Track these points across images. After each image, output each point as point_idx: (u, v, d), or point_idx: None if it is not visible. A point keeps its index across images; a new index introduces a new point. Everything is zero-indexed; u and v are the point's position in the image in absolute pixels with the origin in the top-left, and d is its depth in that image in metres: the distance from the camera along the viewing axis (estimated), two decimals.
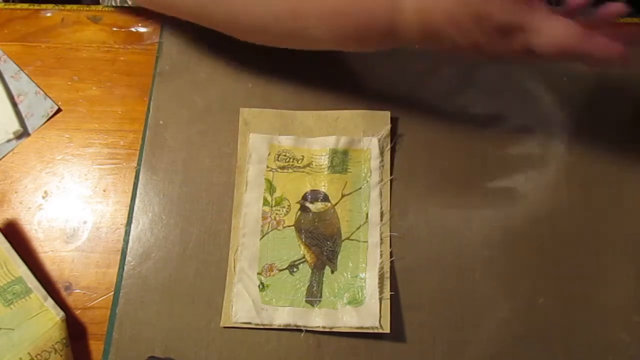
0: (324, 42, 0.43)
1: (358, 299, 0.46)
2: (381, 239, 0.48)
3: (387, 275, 0.47)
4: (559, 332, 0.46)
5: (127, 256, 0.48)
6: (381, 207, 0.49)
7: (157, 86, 0.54)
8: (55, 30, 0.57)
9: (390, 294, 0.46)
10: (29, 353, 0.43)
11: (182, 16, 0.49)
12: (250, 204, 0.49)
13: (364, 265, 0.47)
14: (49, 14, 0.57)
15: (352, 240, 0.48)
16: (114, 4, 0.60)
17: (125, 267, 0.48)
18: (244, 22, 0.43)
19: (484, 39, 0.34)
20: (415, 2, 0.36)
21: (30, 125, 0.53)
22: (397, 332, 0.45)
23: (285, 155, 0.51)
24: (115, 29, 0.57)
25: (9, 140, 0.52)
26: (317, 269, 0.47)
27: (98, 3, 0.62)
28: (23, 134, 0.53)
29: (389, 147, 0.51)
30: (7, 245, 0.47)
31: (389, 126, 0.51)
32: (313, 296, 0.46)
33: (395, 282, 0.47)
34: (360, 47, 0.44)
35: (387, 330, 0.45)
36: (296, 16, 0.41)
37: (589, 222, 0.48)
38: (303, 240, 0.48)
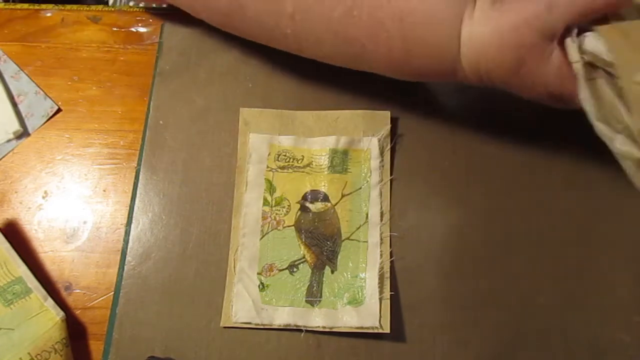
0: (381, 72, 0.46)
1: (358, 299, 0.46)
2: (381, 239, 0.48)
3: (387, 275, 0.47)
4: (559, 332, 0.46)
5: (127, 256, 0.48)
6: (381, 207, 0.49)
7: (157, 86, 0.54)
8: (55, 30, 0.57)
9: (390, 294, 0.46)
10: (29, 353, 0.43)
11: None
12: (250, 204, 0.49)
13: (364, 265, 0.47)
14: (49, 14, 0.57)
15: (352, 240, 0.48)
16: (120, 3, 0.60)
17: (125, 267, 0.48)
18: (304, 47, 0.47)
19: (539, 99, 0.40)
20: (475, 69, 0.40)
21: (30, 125, 0.53)
22: (397, 332, 0.45)
23: (285, 155, 0.51)
24: (115, 29, 0.57)
25: (9, 140, 0.52)
26: (317, 269, 0.47)
27: (99, 3, 0.62)
28: (23, 134, 0.53)
29: (389, 147, 0.51)
30: (7, 245, 0.47)
31: (389, 126, 0.51)
32: (313, 296, 0.46)
33: (395, 282, 0.47)
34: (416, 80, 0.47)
35: (387, 330, 0.45)
36: (360, 60, 0.45)
37: (589, 222, 0.48)
38: (303, 240, 0.48)
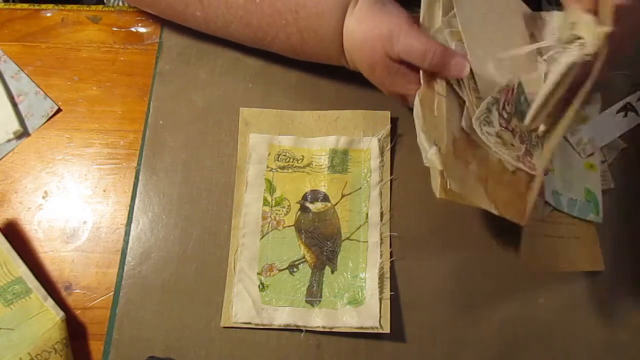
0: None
1: (358, 299, 0.46)
2: (381, 239, 0.48)
3: (387, 275, 0.47)
4: (559, 332, 0.46)
5: (127, 256, 0.48)
6: (381, 207, 0.49)
7: (157, 86, 0.54)
8: (55, 30, 0.57)
9: (390, 294, 0.46)
10: (29, 353, 0.43)
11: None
12: (250, 204, 0.49)
13: (364, 265, 0.47)
14: (49, 14, 0.57)
15: (352, 240, 0.48)
16: (120, 3, 0.60)
17: (125, 267, 0.48)
18: (213, 29, 0.51)
19: (388, 94, 0.48)
20: (349, 58, 0.47)
21: (30, 125, 0.53)
22: (397, 332, 0.45)
23: (285, 155, 0.51)
24: (115, 29, 0.57)
25: (9, 140, 0.52)
26: (317, 269, 0.47)
27: (99, 3, 0.62)
28: (23, 134, 0.53)
29: (389, 147, 0.51)
30: (7, 245, 0.47)
31: (389, 126, 0.51)
32: (313, 296, 0.46)
33: (395, 282, 0.47)
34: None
35: (387, 330, 0.45)
36: (263, 42, 0.50)
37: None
38: (303, 240, 0.48)
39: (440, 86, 0.43)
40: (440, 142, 0.41)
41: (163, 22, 0.56)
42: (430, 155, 0.40)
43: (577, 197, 0.47)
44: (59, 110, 0.54)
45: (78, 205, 0.50)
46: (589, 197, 0.48)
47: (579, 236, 0.47)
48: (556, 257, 0.45)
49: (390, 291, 0.46)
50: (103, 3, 0.66)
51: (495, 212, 0.43)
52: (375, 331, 0.45)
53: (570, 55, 0.39)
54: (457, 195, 0.41)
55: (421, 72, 0.43)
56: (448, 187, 0.40)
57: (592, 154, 0.49)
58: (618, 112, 0.49)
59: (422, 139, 0.41)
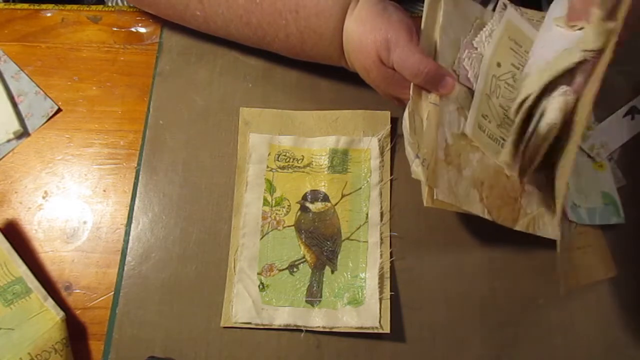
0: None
1: (358, 299, 0.46)
2: (381, 239, 0.48)
3: (387, 275, 0.47)
4: (559, 333, 0.46)
5: (127, 256, 0.48)
6: (381, 207, 0.49)
7: (157, 86, 0.54)
8: (55, 30, 0.57)
9: (390, 294, 0.46)
10: (29, 353, 0.43)
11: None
12: (250, 204, 0.49)
13: (364, 265, 0.47)
14: (49, 14, 0.57)
15: (352, 240, 0.48)
16: (120, 3, 0.60)
17: (125, 267, 0.48)
18: (213, 29, 0.51)
19: (385, 96, 0.49)
20: (347, 58, 0.47)
21: (30, 125, 0.53)
22: (397, 332, 0.45)
23: (285, 155, 0.51)
24: (115, 29, 0.57)
25: (9, 140, 0.52)
26: (317, 269, 0.47)
27: (99, 3, 0.62)
28: (23, 134, 0.53)
29: (389, 147, 0.51)
30: (7, 245, 0.47)
31: (389, 126, 0.51)
32: (313, 296, 0.46)
33: (395, 282, 0.47)
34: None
35: (387, 330, 0.45)
36: (263, 42, 0.50)
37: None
38: (303, 240, 0.48)
39: (433, 95, 0.44)
40: (428, 153, 0.41)
41: (163, 22, 0.56)
42: (414, 167, 0.41)
43: (595, 204, 0.47)
44: (59, 110, 0.54)
45: (78, 205, 0.50)
46: (607, 200, 0.47)
47: (591, 244, 0.46)
48: (576, 272, 0.44)
49: (390, 291, 0.46)
50: (103, 3, 0.66)
51: (488, 217, 0.43)
52: (375, 331, 0.45)
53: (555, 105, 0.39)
54: (445, 203, 0.41)
55: (411, 84, 0.43)
56: (435, 196, 0.41)
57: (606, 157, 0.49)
58: (625, 115, 0.49)
59: (408, 151, 0.42)
